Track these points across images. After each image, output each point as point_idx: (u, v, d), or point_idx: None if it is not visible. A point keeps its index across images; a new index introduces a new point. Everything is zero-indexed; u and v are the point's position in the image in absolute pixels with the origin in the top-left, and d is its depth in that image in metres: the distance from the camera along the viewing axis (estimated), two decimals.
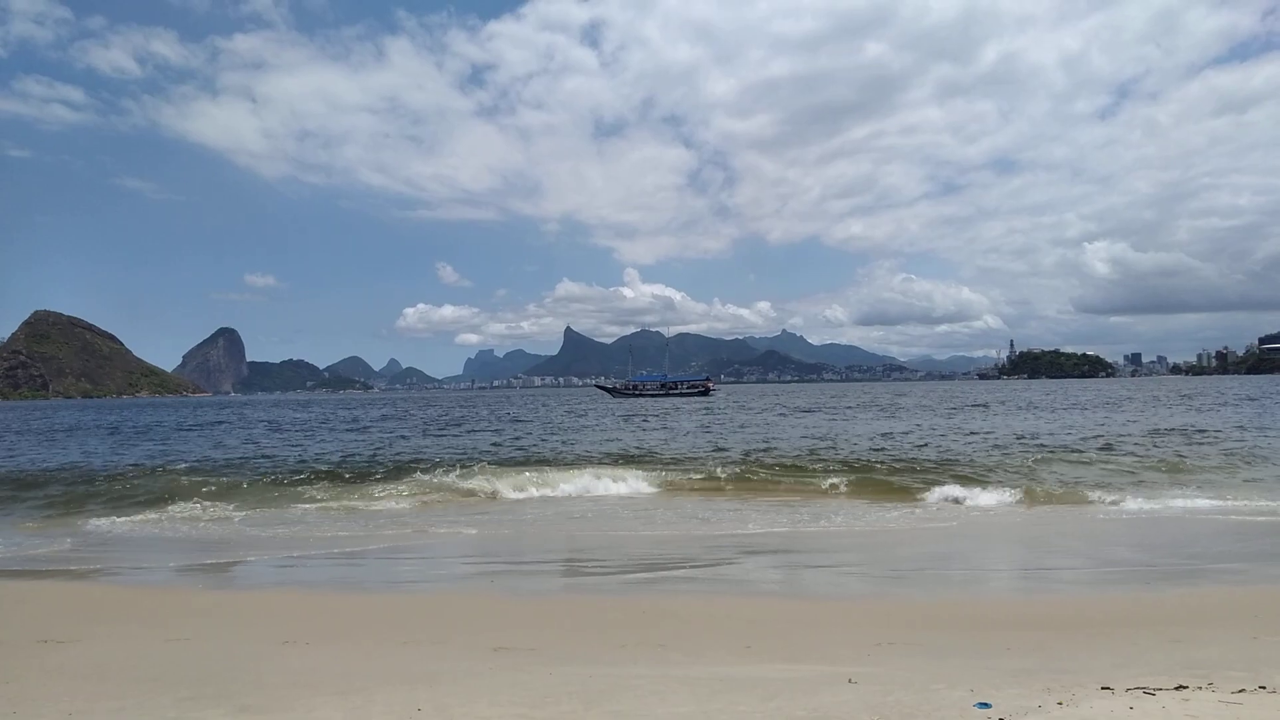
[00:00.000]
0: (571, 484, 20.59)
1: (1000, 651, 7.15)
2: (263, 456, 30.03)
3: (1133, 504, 16.75)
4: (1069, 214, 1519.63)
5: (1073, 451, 26.37)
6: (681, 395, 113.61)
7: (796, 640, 7.79)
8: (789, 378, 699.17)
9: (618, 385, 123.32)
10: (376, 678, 6.36)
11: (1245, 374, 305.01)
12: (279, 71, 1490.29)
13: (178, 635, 8.05)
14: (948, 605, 9.36)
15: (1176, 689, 5.49)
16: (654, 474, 22.04)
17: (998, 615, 8.81)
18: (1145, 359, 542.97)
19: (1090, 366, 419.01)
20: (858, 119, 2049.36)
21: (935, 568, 11.72)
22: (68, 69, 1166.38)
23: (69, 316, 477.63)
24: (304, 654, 7.35)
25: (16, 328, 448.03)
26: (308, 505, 18.59)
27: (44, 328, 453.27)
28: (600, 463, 25.02)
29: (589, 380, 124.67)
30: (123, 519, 16.95)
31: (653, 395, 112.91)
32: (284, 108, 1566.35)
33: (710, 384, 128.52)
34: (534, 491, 20.09)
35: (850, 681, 5.99)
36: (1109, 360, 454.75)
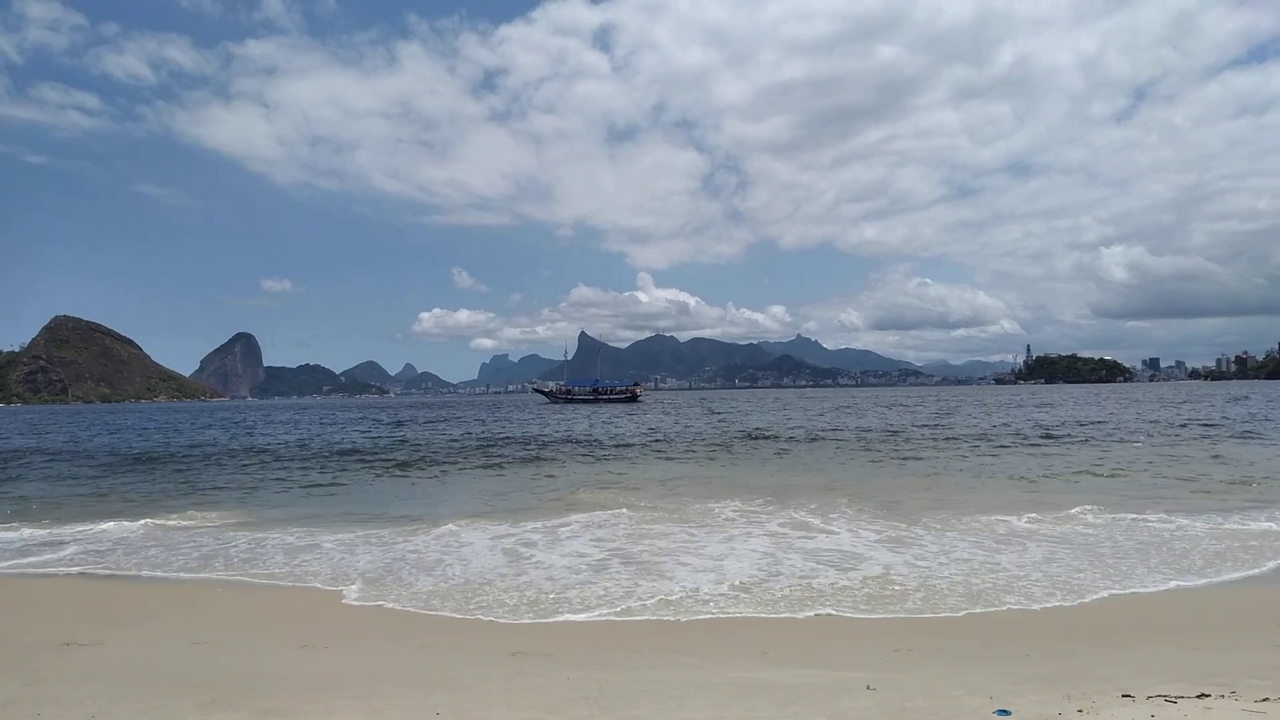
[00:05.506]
0: None
1: (1020, 659, 7.12)
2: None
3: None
4: (1085, 218, 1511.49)
5: None
6: (609, 401, 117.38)
7: (814, 646, 7.79)
8: (804, 383, 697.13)
9: (554, 389, 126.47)
10: (395, 682, 6.40)
11: (1266, 379, 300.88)
12: (291, 77, 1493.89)
13: (198, 638, 8.12)
14: (967, 612, 9.31)
15: (1199, 697, 5.45)
16: None
17: (1018, 622, 8.75)
18: (1163, 364, 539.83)
19: (1108, 371, 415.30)
20: (871, 122, 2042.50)
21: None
22: (83, 75, 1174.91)
23: (88, 322, 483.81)
24: (322, 657, 7.40)
25: (36, 333, 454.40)
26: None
27: (63, 333, 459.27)
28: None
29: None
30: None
31: (584, 401, 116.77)
32: (296, 113, 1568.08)
33: (639, 389, 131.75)
34: None
35: (868, 688, 5.98)
36: (1127, 365, 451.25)
